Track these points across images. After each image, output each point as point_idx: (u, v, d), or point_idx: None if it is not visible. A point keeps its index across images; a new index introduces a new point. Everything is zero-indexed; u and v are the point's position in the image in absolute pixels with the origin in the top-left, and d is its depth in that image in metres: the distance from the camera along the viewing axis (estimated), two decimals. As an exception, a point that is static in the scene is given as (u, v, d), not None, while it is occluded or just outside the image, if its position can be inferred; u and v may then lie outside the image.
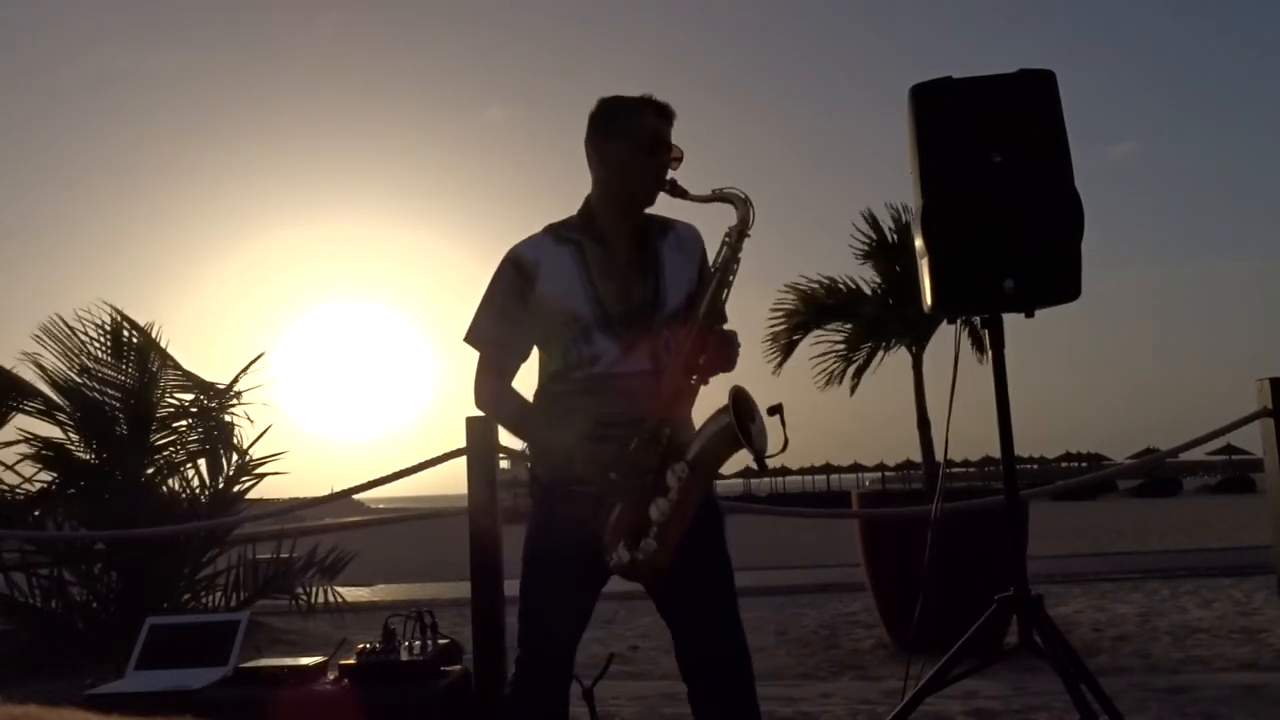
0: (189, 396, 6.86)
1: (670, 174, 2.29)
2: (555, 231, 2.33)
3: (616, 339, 2.22)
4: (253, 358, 6.84)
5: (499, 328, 2.30)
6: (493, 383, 2.32)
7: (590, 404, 2.20)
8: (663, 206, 2.35)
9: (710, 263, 2.28)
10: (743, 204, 2.23)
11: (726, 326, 2.27)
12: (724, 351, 2.22)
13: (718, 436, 2.10)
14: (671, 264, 2.31)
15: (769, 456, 2.09)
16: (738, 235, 2.23)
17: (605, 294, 2.24)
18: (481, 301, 2.33)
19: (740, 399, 2.09)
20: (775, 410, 2.08)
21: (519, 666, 2.27)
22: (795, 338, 6.69)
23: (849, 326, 6.68)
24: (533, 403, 2.33)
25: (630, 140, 2.26)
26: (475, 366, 2.33)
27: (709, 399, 2.22)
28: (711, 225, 2.32)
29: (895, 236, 6.33)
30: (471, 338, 2.33)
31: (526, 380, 2.37)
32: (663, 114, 2.30)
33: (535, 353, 2.37)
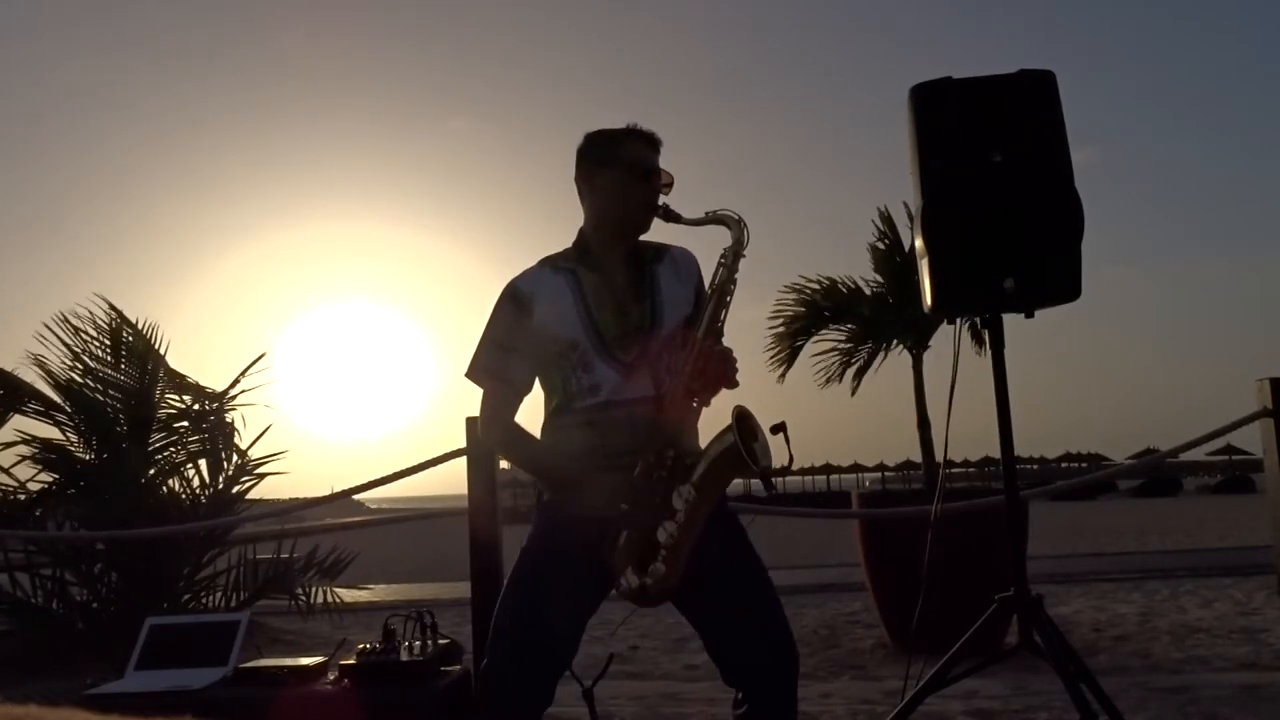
0: (190, 397, 6.87)
1: (662, 199, 2.30)
2: (551, 262, 2.34)
3: (616, 365, 2.22)
4: (253, 359, 6.86)
5: (500, 361, 2.29)
6: (497, 417, 2.32)
7: (594, 436, 2.21)
8: (658, 233, 2.36)
9: (707, 284, 2.28)
10: (737, 225, 2.24)
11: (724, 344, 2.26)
12: (724, 368, 2.21)
13: (722, 458, 2.10)
14: (667, 286, 2.31)
15: (772, 473, 2.10)
16: (733, 256, 2.24)
17: (601, 318, 2.25)
18: (482, 336, 2.33)
19: (743, 419, 2.09)
20: (779, 429, 2.09)
21: (489, 667, 2.18)
22: (798, 343, 6.68)
23: (849, 328, 6.67)
24: (538, 437, 2.33)
25: (620, 167, 2.28)
26: (479, 402, 2.33)
27: (715, 418, 2.22)
28: (707, 247, 2.33)
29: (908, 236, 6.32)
30: (473, 373, 2.33)
31: (534, 413, 2.38)
32: (649, 141, 2.32)
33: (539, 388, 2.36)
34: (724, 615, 2.25)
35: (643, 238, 2.35)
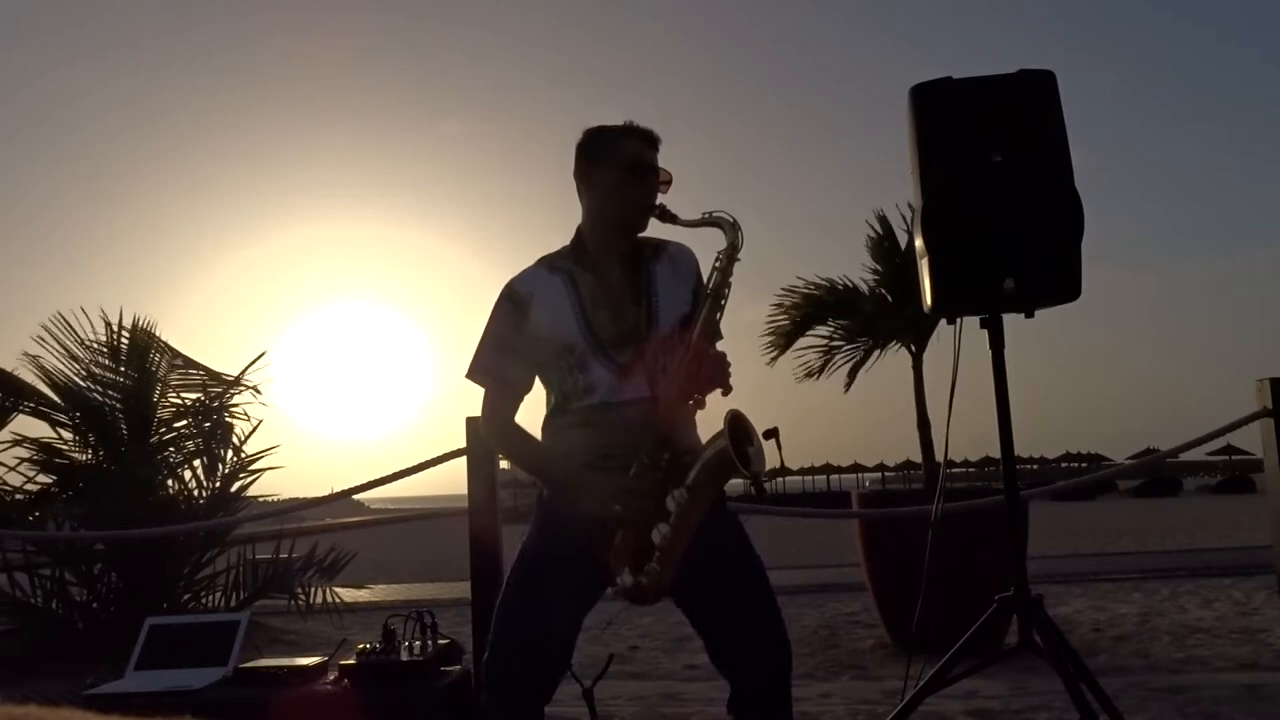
0: (192, 396, 6.87)
1: (660, 198, 2.30)
2: (548, 263, 2.34)
3: (612, 366, 2.22)
4: (256, 355, 6.87)
5: (499, 361, 2.30)
6: (496, 417, 2.33)
7: (590, 435, 2.21)
8: (655, 230, 2.35)
9: (704, 285, 2.28)
10: (731, 228, 2.23)
11: (720, 347, 2.26)
12: (718, 372, 2.20)
13: (714, 461, 2.11)
14: (665, 285, 2.30)
15: (765, 477, 2.11)
16: (728, 258, 2.24)
17: (596, 320, 2.25)
18: (481, 337, 2.34)
19: (737, 423, 2.10)
20: (771, 434, 2.10)
21: (491, 666, 2.22)
22: (795, 333, 6.69)
23: (848, 322, 6.68)
24: (538, 437, 2.34)
25: (616, 165, 2.27)
26: (480, 401, 2.34)
27: (712, 419, 2.21)
28: (704, 247, 2.32)
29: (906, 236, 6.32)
30: (473, 373, 2.34)
31: (534, 414, 2.39)
32: (647, 139, 2.31)
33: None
34: (722, 616, 2.26)
35: (641, 234, 2.34)
